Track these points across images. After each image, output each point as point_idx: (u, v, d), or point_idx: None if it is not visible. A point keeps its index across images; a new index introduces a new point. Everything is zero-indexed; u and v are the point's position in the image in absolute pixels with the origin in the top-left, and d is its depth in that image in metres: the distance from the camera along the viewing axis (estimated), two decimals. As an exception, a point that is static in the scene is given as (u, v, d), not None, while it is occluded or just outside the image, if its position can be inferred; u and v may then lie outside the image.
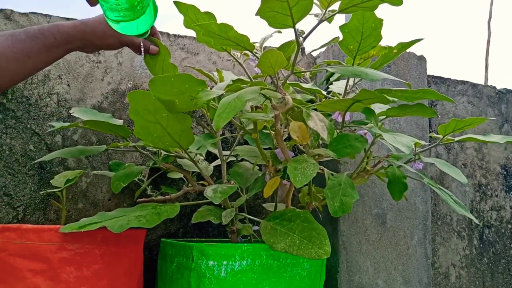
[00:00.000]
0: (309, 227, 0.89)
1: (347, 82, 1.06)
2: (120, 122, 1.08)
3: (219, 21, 0.79)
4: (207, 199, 0.92)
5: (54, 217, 1.14)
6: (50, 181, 1.07)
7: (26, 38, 0.86)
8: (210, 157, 1.21)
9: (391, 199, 1.06)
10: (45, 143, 1.15)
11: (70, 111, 1.07)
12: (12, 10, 1.15)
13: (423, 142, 1.05)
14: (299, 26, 0.80)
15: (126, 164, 1.17)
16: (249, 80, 0.96)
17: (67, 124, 1.04)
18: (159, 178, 1.21)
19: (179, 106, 0.83)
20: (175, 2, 0.91)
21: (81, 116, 1.05)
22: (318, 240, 0.87)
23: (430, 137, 1.40)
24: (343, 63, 1.02)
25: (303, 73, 1.23)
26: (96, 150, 1.06)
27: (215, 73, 1.16)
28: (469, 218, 1.55)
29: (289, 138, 1.00)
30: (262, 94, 0.87)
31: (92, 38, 0.91)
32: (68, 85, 1.18)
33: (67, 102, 1.18)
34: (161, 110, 0.85)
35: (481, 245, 1.58)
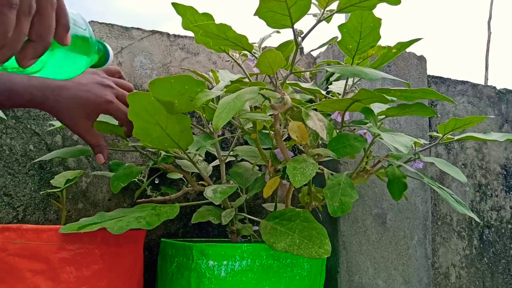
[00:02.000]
0: (309, 227, 0.89)
1: (346, 82, 1.06)
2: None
3: (217, 22, 0.79)
4: (207, 199, 0.92)
5: (54, 217, 1.15)
6: (50, 181, 1.08)
7: None
8: (210, 157, 1.21)
9: (391, 199, 1.06)
10: (45, 143, 1.15)
11: None
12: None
13: (423, 142, 1.05)
14: (297, 26, 0.80)
15: (126, 164, 1.17)
16: (248, 80, 0.96)
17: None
18: (159, 178, 1.21)
19: (178, 107, 0.84)
20: (173, 4, 0.91)
21: None
22: (318, 239, 0.87)
23: (430, 137, 1.40)
24: (342, 63, 1.02)
25: (303, 73, 1.24)
26: None
27: (211, 73, 1.16)
28: (469, 218, 1.55)
29: (288, 138, 1.00)
30: (261, 94, 0.87)
31: (53, 113, 0.82)
32: (68, 85, 1.18)
33: (67, 102, 1.18)
34: (160, 111, 0.85)
35: (481, 245, 1.58)
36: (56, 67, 0.57)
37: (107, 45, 0.73)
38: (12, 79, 0.78)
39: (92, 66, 0.74)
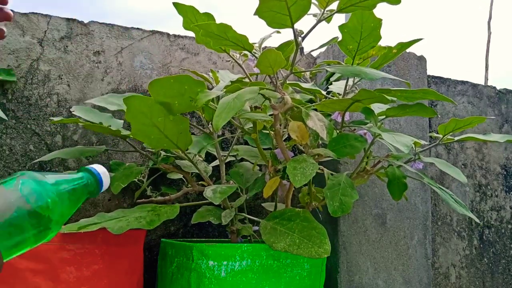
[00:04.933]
0: (309, 227, 0.89)
1: (347, 82, 1.06)
2: (120, 122, 1.08)
3: (218, 22, 0.79)
4: (207, 199, 0.92)
5: (54, 217, 1.14)
6: (50, 182, 1.07)
7: None
8: (210, 157, 1.21)
9: (391, 199, 1.06)
10: (45, 143, 1.15)
11: (71, 109, 1.07)
12: (12, 10, 1.15)
13: (423, 142, 1.05)
14: (297, 26, 0.80)
15: (126, 164, 1.17)
16: (248, 80, 0.96)
17: (67, 119, 1.04)
18: (159, 178, 1.21)
19: (178, 108, 0.84)
20: (174, 4, 0.91)
21: (82, 115, 1.05)
22: (318, 239, 0.87)
23: (430, 137, 1.40)
24: (343, 63, 1.02)
25: (303, 73, 1.23)
26: (96, 151, 1.06)
27: (211, 74, 1.15)
28: (469, 218, 1.55)
29: (288, 138, 1.00)
30: (261, 94, 0.87)
31: None
32: (68, 85, 1.18)
33: (67, 102, 1.18)
34: (158, 113, 0.84)
35: (481, 245, 1.58)
36: None
37: (96, 168, 0.58)
38: None
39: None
